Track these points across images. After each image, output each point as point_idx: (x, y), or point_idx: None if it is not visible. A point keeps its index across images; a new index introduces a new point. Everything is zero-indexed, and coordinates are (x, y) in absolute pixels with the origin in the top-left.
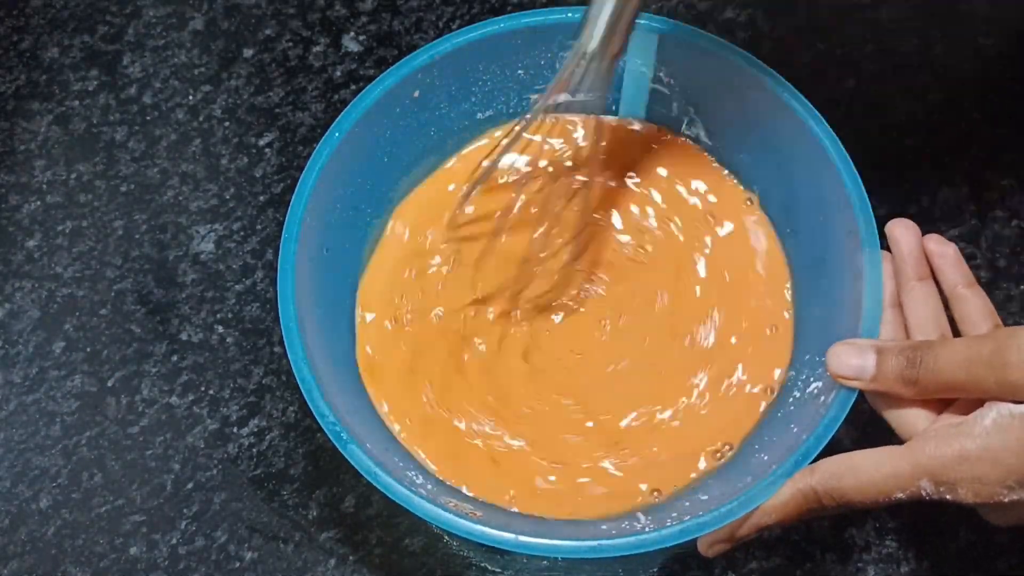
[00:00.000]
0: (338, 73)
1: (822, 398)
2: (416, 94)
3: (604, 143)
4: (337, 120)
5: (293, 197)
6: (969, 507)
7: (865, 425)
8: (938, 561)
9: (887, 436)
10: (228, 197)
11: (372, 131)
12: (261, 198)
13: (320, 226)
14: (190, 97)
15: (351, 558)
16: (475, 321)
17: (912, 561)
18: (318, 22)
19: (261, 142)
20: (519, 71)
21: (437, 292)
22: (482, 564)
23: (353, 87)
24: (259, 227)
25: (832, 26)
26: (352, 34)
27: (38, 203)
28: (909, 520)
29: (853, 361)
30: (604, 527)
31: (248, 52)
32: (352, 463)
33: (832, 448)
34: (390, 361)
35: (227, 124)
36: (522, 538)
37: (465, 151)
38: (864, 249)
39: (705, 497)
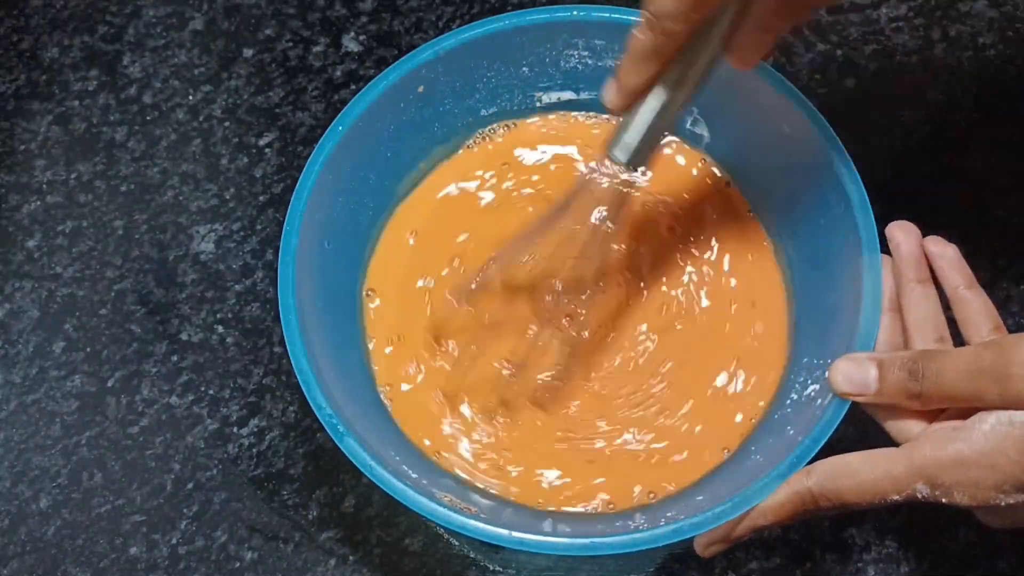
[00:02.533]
0: (338, 73)
1: (819, 401)
2: (421, 89)
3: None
4: (341, 113)
5: (296, 187)
6: (964, 509)
7: (865, 426)
8: (938, 561)
9: (886, 436)
10: (228, 197)
11: (376, 125)
12: (261, 198)
13: (322, 218)
14: (190, 97)
15: (351, 558)
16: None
17: (912, 561)
18: (318, 22)
19: (261, 142)
20: (523, 68)
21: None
22: (483, 564)
23: (353, 87)
24: (259, 227)
25: (832, 26)
26: (352, 34)
27: (38, 203)
28: (909, 520)
29: (855, 377)
30: (599, 525)
31: (248, 52)
32: (345, 453)
33: (831, 447)
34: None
35: (227, 124)
36: (515, 534)
37: (470, 147)
38: (864, 251)
39: (701, 497)
